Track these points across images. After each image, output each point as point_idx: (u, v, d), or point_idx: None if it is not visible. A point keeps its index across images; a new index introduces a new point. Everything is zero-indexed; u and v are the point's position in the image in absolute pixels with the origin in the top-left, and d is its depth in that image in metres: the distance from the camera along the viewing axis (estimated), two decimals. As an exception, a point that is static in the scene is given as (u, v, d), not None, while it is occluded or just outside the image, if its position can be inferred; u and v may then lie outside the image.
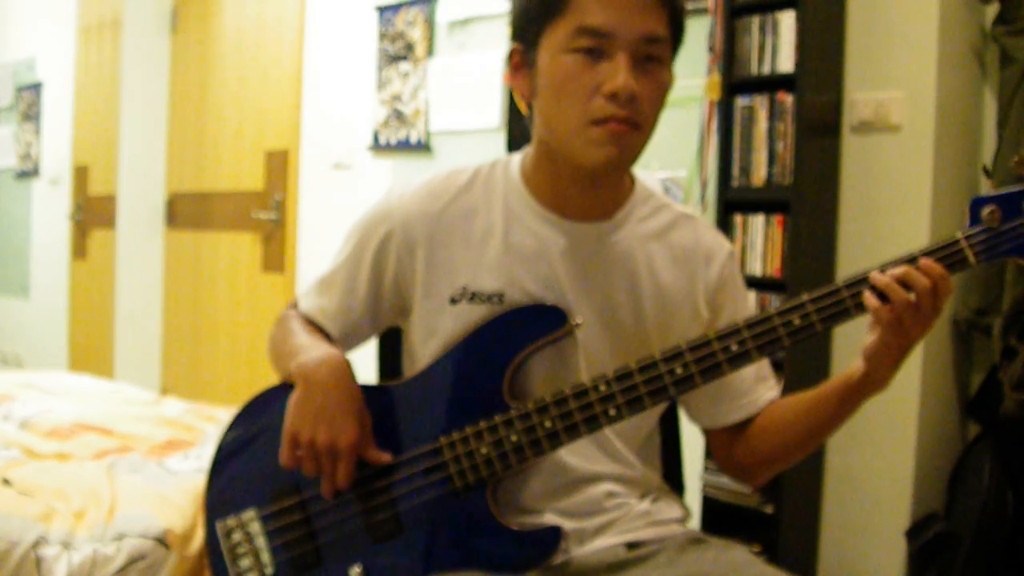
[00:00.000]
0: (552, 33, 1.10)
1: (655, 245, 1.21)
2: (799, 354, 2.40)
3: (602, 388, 1.09)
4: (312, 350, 1.17)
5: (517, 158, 1.24)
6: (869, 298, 1.02)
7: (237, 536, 1.19)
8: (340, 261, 1.25)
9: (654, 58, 1.10)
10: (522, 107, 1.22)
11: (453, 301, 1.17)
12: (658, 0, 1.09)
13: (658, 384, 1.08)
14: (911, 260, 1.03)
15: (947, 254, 1.03)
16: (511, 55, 1.16)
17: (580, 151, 1.10)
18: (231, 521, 1.20)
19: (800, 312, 1.05)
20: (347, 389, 1.12)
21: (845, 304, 1.04)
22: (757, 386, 1.24)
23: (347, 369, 1.15)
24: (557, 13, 1.09)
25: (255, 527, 1.18)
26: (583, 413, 1.10)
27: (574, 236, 1.18)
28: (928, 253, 1.03)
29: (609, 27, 1.07)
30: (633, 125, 1.09)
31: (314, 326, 1.26)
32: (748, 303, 1.28)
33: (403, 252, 1.20)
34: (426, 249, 1.19)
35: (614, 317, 1.18)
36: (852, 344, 2.48)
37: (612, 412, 1.09)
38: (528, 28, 1.13)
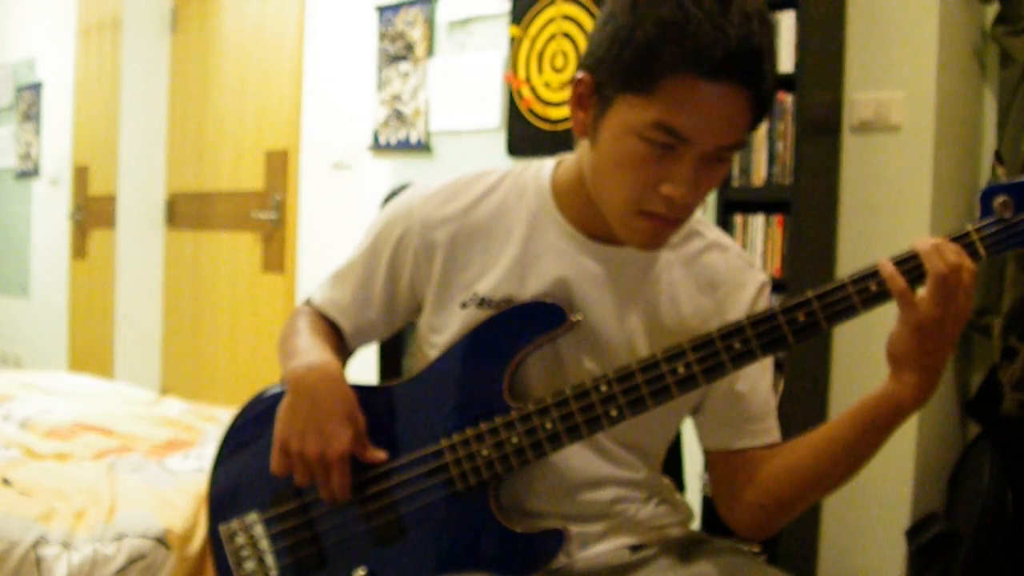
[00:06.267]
0: (628, 105, 0.99)
1: (681, 272, 1.15)
2: (799, 354, 2.40)
3: (603, 388, 1.07)
4: (306, 354, 1.15)
5: (549, 167, 1.18)
6: (895, 278, 0.96)
7: (241, 539, 1.18)
8: (358, 255, 1.23)
9: (724, 159, 1.02)
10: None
11: (463, 305, 1.15)
12: (750, 104, 0.98)
13: (660, 384, 1.05)
14: (915, 257, 0.98)
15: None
16: (578, 83, 1.05)
17: (618, 228, 1.06)
18: (234, 524, 1.19)
19: (805, 309, 1.01)
20: (337, 394, 1.11)
21: (851, 301, 1.00)
22: (769, 418, 1.17)
23: (338, 373, 1.13)
24: (641, 89, 0.98)
25: (258, 530, 1.18)
26: (584, 414, 1.08)
27: (598, 258, 1.14)
28: None
29: (690, 134, 0.97)
30: (677, 223, 1.06)
31: (325, 323, 1.25)
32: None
33: (420, 253, 1.17)
34: (445, 252, 1.16)
35: (628, 340, 1.14)
36: (852, 345, 2.48)
37: (614, 413, 1.07)
38: (609, 77, 1.01)
